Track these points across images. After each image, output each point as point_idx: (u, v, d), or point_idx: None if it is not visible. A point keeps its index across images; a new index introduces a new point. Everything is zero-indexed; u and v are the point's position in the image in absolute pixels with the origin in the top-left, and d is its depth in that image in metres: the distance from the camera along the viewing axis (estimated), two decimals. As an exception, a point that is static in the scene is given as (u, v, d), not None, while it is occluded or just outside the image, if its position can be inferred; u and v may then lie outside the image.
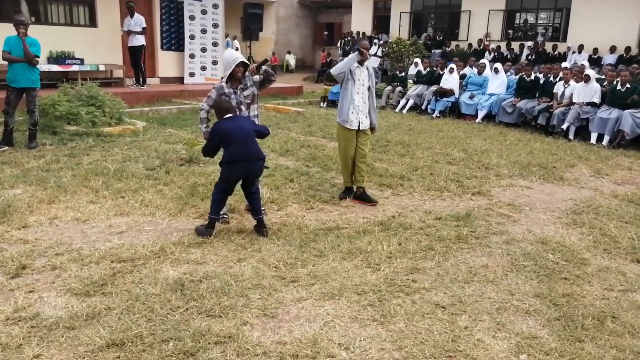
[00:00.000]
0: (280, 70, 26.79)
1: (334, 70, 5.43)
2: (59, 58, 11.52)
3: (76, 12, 12.29)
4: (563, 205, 5.70)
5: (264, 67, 4.83)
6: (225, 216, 4.76)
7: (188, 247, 4.10)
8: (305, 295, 3.42)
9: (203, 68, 14.13)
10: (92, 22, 12.45)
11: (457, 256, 4.18)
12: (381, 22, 22.18)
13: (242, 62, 4.70)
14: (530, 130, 10.36)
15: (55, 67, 11.34)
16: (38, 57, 6.95)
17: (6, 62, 6.93)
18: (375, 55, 19.58)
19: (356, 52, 5.29)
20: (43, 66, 11.16)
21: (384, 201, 5.64)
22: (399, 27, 20.55)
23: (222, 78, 4.87)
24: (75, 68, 11.58)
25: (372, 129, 5.61)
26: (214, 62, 14.25)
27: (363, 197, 5.57)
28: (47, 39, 11.59)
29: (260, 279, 3.61)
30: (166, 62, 13.82)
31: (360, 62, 5.36)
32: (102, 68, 12.09)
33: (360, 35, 21.95)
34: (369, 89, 5.44)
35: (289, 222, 4.82)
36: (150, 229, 4.52)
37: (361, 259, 4.05)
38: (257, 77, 4.89)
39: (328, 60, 23.44)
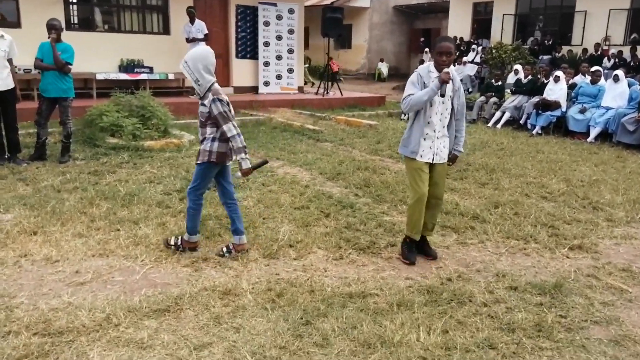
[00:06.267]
0: (372, 79, 25.64)
1: (405, 107, 3.87)
2: (128, 66, 11.28)
3: (149, 19, 12.05)
4: None
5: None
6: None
7: (143, 317, 3.02)
8: None
9: (278, 77, 13.34)
10: (165, 30, 12.16)
11: (531, 364, 2.71)
12: (481, 26, 20.20)
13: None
14: (660, 155, 8.21)
15: (124, 76, 11.09)
16: (70, 64, 6.37)
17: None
18: (472, 62, 17.77)
19: (435, 83, 3.73)
20: (111, 74, 11.02)
21: (443, 252, 4.22)
22: (502, 30, 18.49)
23: (206, 85, 3.74)
24: (143, 77, 11.27)
25: (452, 159, 4.10)
26: (290, 70, 13.41)
27: (423, 249, 4.19)
28: (119, 47, 11.49)
29: (207, 390, 2.43)
30: (240, 71, 13.21)
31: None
32: (171, 77, 11.70)
33: (458, 41, 20.13)
34: (452, 107, 3.93)
35: (301, 279, 3.61)
36: (118, 281, 3.53)
37: (379, 358, 2.72)
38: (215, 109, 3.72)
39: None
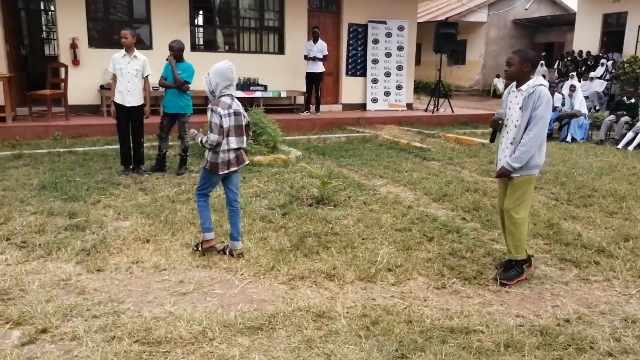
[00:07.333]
0: (486, 95, 24.58)
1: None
2: (245, 85, 11.84)
3: (266, 40, 12.58)
4: None
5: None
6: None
7: (237, 333, 3.03)
8: None
9: (386, 93, 13.23)
10: (280, 50, 12.61)
11: None
12: (612, 38, 18.52)
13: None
14: None
15: (240, 94, 11.62)
16: (189, 83, 6.80)
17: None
18: (600, 77, 16.32)
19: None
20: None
21: (561, 289, 3.79)
22: (636, 43, 16.79)
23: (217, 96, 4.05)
24: (258, 94, 11.75)
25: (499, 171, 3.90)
26: (398, 87, 13.25)
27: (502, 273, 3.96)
28: (237, 66, 12.04)
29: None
30: (349, 88, 13.32)
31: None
32: (283, 94, 12.09)
33: (584, 55, 18.64)
34: (527, 120, 3.75)
35: (398, 307, 3.42)
36: (218, 294, 3.60)
37: (480, 404, 2.46)
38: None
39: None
